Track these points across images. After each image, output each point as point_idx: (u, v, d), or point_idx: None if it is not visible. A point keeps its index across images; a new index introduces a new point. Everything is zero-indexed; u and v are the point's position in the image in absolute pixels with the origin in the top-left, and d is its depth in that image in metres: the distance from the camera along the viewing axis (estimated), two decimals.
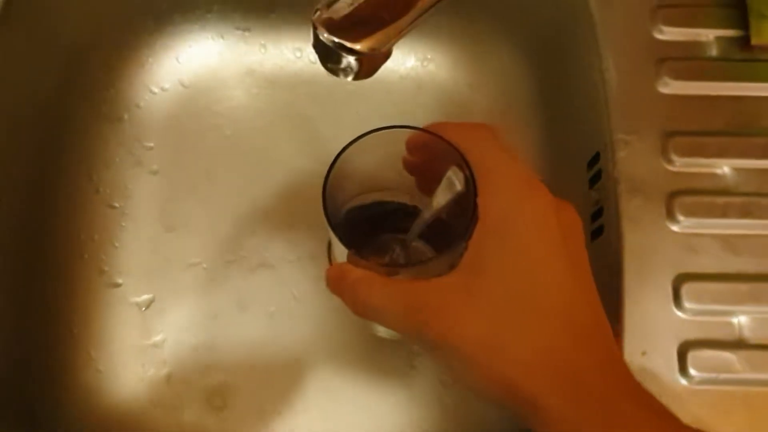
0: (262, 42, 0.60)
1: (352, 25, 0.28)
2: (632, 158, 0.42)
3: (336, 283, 0.34)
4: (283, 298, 0.53)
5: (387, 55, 0.30)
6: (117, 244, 0.55)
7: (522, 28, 0.55)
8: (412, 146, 0.35)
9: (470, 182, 0.32)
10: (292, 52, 0.60)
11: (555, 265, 0.30)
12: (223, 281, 0.54)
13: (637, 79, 0.43)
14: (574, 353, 0.29)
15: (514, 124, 0.56)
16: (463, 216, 0.32)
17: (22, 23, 0.50)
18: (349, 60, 0.29)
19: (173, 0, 0.57)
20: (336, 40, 0.28)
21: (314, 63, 0.60)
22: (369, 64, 0.30)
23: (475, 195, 0.32)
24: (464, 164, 0.32)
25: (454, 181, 0.33)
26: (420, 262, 0.36)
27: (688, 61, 0.43)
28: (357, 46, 0.28)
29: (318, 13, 0.29)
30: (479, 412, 0.50)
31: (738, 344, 0.38)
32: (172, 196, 0.56)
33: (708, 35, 0.44)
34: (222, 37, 0.60)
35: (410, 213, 0.40)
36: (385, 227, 0.42)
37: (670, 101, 0.42)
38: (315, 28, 0.28)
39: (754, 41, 0.43)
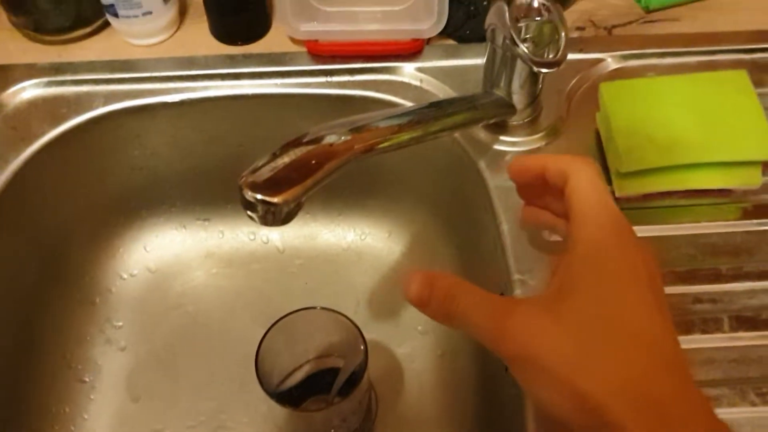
0: (221, 228, 0.69)
1: (270, 185, 0.36)
2: (527, 294, 0.48)
3: (421, 290, 0.35)
4: None
5: (299, 206, 0.38)
6: (86, 416, 0.59)
7: (436, 200, 0.64)
8: (516, 177, 0.41)
9: (366, 355, 0.49)
10: (246, 236, 0.69)
11: (643, 296, 0.32)
12: None
13: (527, 231, 0.51)
14: (659, 382, 0.29)
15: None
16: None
17: (6, 223, 0.57)
18: (269, 210, 0.37)
19: (141, 198, 0.66)
20: (259, 197, 0.36)
21: (266, 243, 0.68)
22: (287, 214, 0.37)
23: (366, 366, 0.49)
24: (363, 341, 0.49)
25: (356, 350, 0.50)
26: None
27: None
28: (275, 200, 0.36)
29: (244, 178, 0.37)
30: None
31: None
32: (138, 368, 0.62)
33: None
34: (185, 227, 0.68)
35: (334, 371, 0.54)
36: (317, 389, 0.57)
37: (556, 246, 0.50)
38: (241, 189, 0.37)
39: (618, 194, 0.52)
